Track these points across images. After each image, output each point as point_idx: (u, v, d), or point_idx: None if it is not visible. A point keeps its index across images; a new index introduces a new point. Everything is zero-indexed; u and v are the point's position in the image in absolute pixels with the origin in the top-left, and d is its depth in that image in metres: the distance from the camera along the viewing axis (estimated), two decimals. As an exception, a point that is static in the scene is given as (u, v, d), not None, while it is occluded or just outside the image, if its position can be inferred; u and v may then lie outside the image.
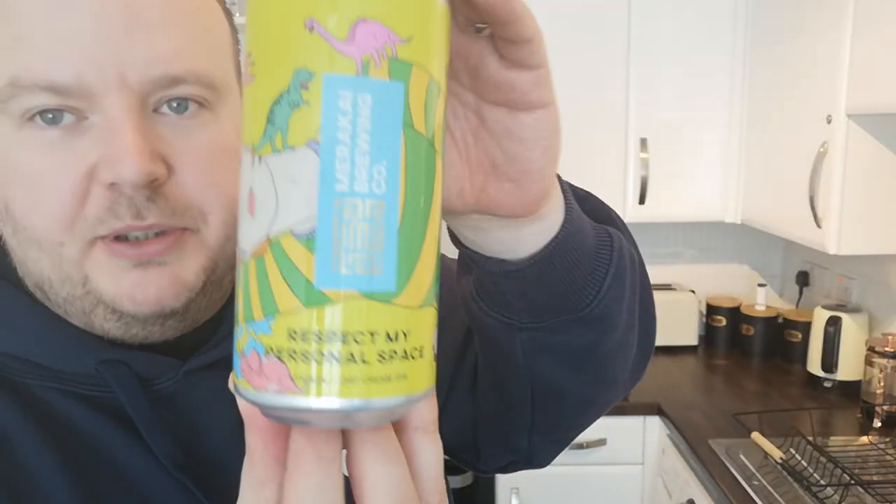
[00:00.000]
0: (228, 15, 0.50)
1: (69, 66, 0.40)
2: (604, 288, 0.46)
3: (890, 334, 1.88)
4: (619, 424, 2.08)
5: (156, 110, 0.44)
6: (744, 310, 2.48)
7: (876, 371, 1.86)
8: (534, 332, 0.40)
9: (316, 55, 0.24)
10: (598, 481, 2.10)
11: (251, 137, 0.25)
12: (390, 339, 0.25)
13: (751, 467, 1.60)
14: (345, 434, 0.28)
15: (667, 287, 2.58)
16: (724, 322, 2.52)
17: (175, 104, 0.44)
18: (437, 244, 0.27)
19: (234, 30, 0.50)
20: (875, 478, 1.53)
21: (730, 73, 2.22)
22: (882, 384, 1.85)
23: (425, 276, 0.26)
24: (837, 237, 1.70)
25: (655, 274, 2.89)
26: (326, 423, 0.26)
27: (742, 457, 1.65)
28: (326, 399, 0.24)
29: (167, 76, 0.43)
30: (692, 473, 1.76)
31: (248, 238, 0.25)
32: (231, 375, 0.27)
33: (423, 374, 0.26)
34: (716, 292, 2.64)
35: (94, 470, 0.45)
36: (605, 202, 0.56)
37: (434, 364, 0.27)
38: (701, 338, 2.57)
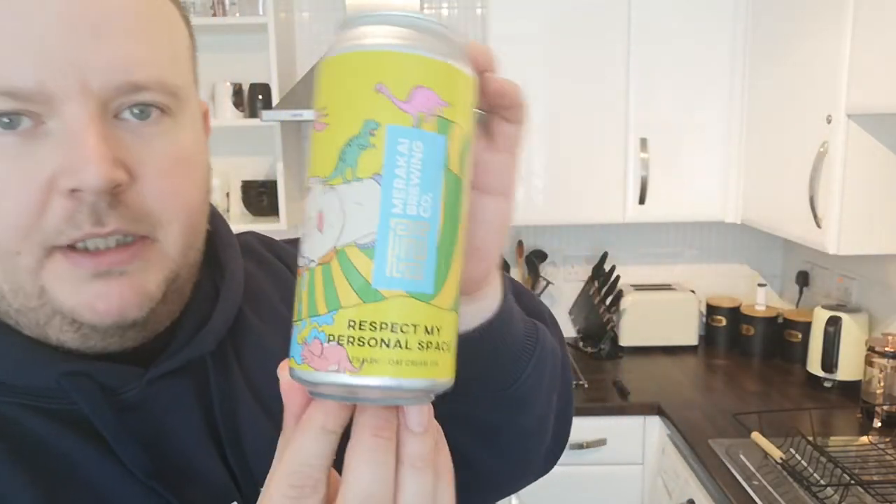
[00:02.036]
0: (188, 23, 0.50)
1: (30, 70, 0.40)
2: (524, 374, 0.49)
3: (890, 334, 1.88)
4: (619, 424, 2.08)
5: (116, 116, 0.43)
6: (744, 310, 2.48)
7: (876, 371, 1.86)
8: (453, 403, 0.41)
9: (382, 110, 0.31)
10: (598, 481, 2.10)
11: (322, 171, 0.32)
12: (427, 332, 0.31)
13: (751, 467, 1.60)
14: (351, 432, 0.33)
15: (667, 287, 2.58)
16: (724, 322, 2.52)
17: (137, 110, 0.44)
18: (461, 262, 0.33)
19: (192, 38, 0.50)
20: (875, 478, 1.53)
21: (730, 73, 2.22)
22: (882, 384, 1.85)
23: (453, 286, 0.33)
24: (837, 237, 1.70)
25: (655, 274, 2.90)
26: (374, 398, 0.32)
27: (742, 457, 1.65)
28: (377, 377, 0.30)
29: (131, 83, 0.43)
30: (692, 473, 1.76)
31: (315, 250, 0.32)
32: (288, 362, 0.33)
33: (450, 365, 0.33)
34: (716, 292, 2.64)
35: (63, 485, 0.44)
36: (539, 298, 0.62)
37: (455, 360, 0.33)
38: (701, 338, 2.57)
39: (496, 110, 0.38)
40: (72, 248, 0.42)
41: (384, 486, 0.32)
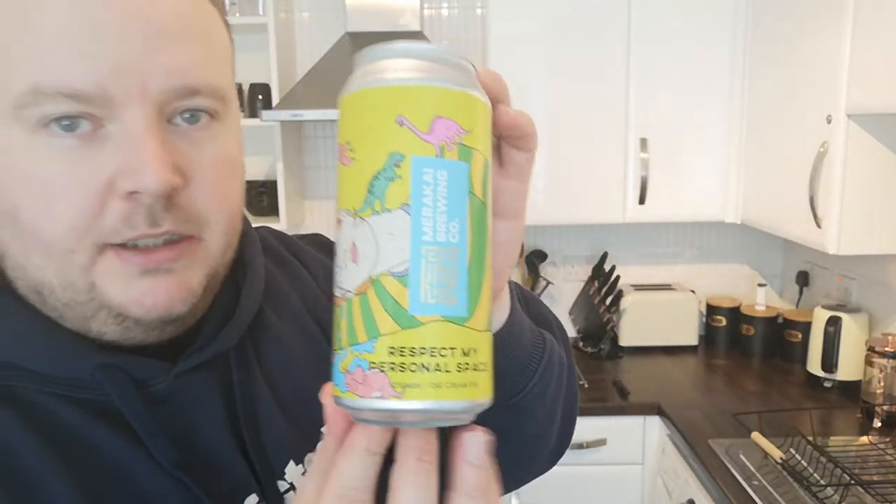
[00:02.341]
0: (228, 27, 0.51)
1: (92, 74, 0.41)
2: (530, 384, 0.52)
3: (890, 334, 1.88)
4: (619, 424, 2.08)
5: (169, 121, 0.44)
6: (744, 310, 2.48)
7: (876, 371, 1.86)
8: None
9: (405, 143, 0.32)
10: (598, 481, 2.10)
11: (352, 204, 0.34)
12: (465, 354, 0.32)
13: (751, 467, 1.60)
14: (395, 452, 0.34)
15: (667, 287, 2.58)
16: (724, 322, 2.53)
17: (188, 115, 0.45)
18: (491, 283, 0.35)
19: (232, 41, 0.51)
20: (875, 478, 1.53)
21: (730, 73, 2.22)
22: (882, 384, 1.85)
23: (485, 307, 0.34)
24: (837, 237, 1.70)
25: (655, 274, 2.91)
26: (415, 421, 0.33)
27: (742, 457, 1.65)
28: (419, 402, 0.31)
29: (186, 87, 0.44)
30: (692, 473, 1.76)
31: (351, 280, 0.33)
32: (331, 390, 0.34)
33: (487, 384, 0.34)
34: (716, 292, 2.64)
35: (95, 473, 0.46)
36: (547, 306, 0.63)
37: (492, 379, 0.34)
38: (701, 338, 2.57)
39: (508, 140, 0.40)
40: (122, 245, 0.44)
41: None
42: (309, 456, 0.56)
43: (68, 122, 0.41)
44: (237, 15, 2.30)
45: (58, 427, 0.46)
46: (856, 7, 1.59)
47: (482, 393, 0.33)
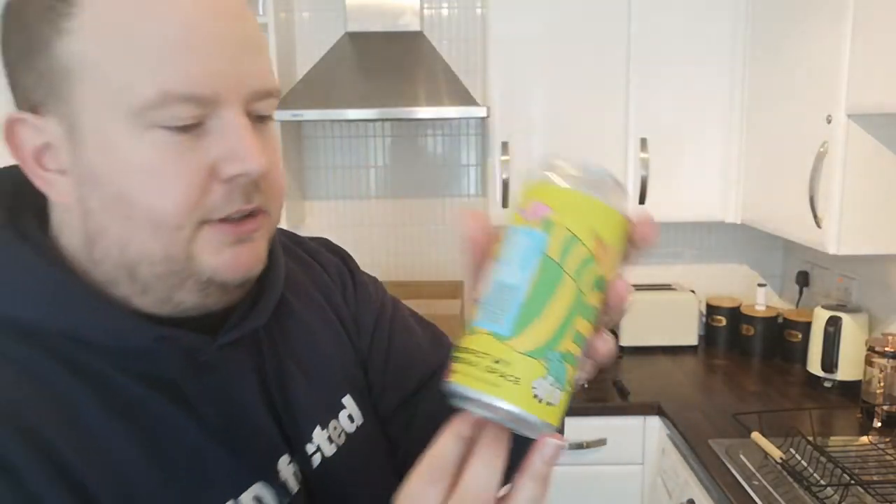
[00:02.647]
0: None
1: (209, 79, 0.49)
2: None
3: (890, 334, 1.88)
4: (619, 424, 2.08)
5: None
6: (744, 310, 2.48)
7: (876, 371, 1.86)
8: None
9: (512, 217, 0.44)
10: (598, 481, 2.10)
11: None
12: (495, 362, 0.41)
13: (751, 467, 1.60)
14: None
15: (667, 287, 2.58)
16: (724, 322, 2.52)
17: (256, 116, 0.54)
18: (554, 328, 0.42)
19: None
20: (875, 478, 1.53)
21: (730, 73, 2.22)
22: (882, 384, 1.85)
23: (534, 338, 0.41)
24: (837, 237, 1.70)
25: (655, 274, 2.90)
26: (454, 399, 0.43)
27: (742, 457, 1.65)
28: (452, 383, 0.42)
29: (265, 90, 0.53)
30: (692, 473, 1.76)
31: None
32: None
33: (513, 394, 0.41)
34: (716, 292, 2.64)
35: (150, 432, 0.52)
36: None
37: (530, 397, 0.41)
38: (701, 338, 2.57)
39: (640, 250, 0.48)
40: (218, 220, 0.52)
41: (493, 485, 0.42)
42: (333, 422, 0.65)
43: (186, 124, 0.50)
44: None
45: (117, 393, 0.52)
46: (856, 7, 1.59)
47: (501, 394, 0.41)
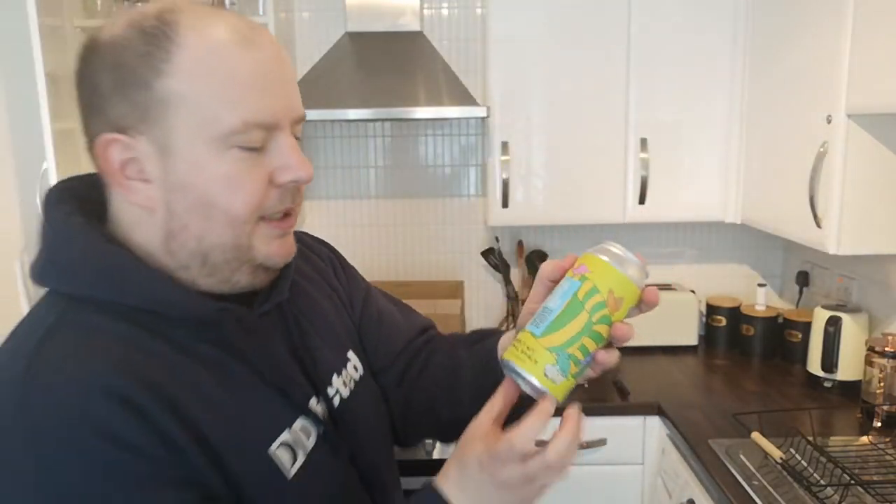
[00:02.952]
0: None
1: (272, 111, 0.67)
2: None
3: (890, 334, 1.88)
4: (619, 424, 2.08)
5: None
6: (744, 310, 2.48)
7: (876, 371, 1.86)
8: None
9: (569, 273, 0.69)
10: (598, 481, 2.10)
11: None
12: (528, 348, 0.66)
13: (751, 467, 1.60)
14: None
15: (667, 287, 2.58)
16: (724, 322, 2.52)
17: (294, 136, 0.71)
18: (567, 338, 0.65)
19: None
20: (875, 478, 1.53)
21: (729, 73, 2.22)
22: (882, 384, 1.85)
23: (552, 341, 0.65)
24: (837, 237, 1.70)
25: (655, 274, 2.89)
26: (505, 368, 0.68)
27: (742, 457, 1.65)
28: (509, 360, 0.67)
29: (301, 116, 0.71)
30: (692, 473, 1.76)
31: None
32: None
33: (532, 369, 0.65)
34: (716, 292, 2.64)
35: (230, 383, 0.68)
36: None
37: (542, 374, 0.65)
38: (701, 338, 2.57)
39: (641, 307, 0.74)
40: (269, 218, 0.69)
41: (535, 435, 0.64)
42: (344, 371, 0.84)
43: (256, 146, 0.67)
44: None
45: (195, 352, 0.67)
46: (856, 7, 1.59)
47: (526, 368, 0.65)
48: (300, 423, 0.73)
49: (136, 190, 0.66)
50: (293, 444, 0.72)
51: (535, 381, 0.64)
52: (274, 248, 0.70)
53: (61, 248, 0.67)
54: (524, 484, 0.68)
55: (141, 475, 0.59)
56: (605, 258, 0.67)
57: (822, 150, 1.72)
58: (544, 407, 0.64)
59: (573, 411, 0.65)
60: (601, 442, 2.08)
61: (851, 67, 1.61)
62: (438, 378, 0.91)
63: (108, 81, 0.64)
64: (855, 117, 1.64)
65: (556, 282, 0.69)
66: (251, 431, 0.69)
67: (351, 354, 0.87)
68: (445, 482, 0.68)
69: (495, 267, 2.62)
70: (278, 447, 0.70)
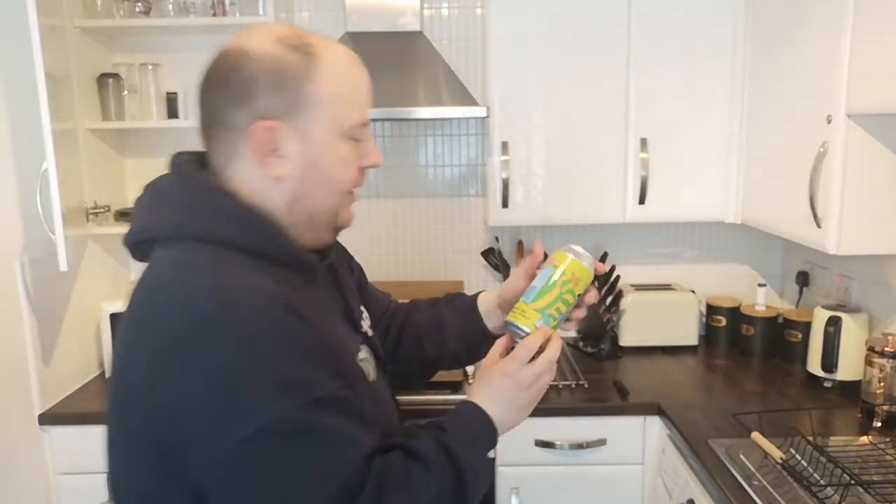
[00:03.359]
0: None
1: (367, 114, 0.92)
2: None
3: (890, 334, 1.88)
4: (619, 424, 2.08)
5: None
6: (744, 310, 2.48)
7: (876, 371, 1.86)
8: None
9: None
10: (598, 481, 2.10)
11: None
12: (521, 311, 0.96)
13: (751, 467, 1.60)
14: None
15: (667, 287, 2.58)
16: (724, 322, 2.52)
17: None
18: (546, 303, 0.96)
19: None
20: (875, 478, 1.53)
21: (730, 73, 2.22)
22: (882, 384, 1.85)
23: (537, 305, 0.96)
24: (837, 237, 1.70)
25: (655, 274, 2.89)
26: (508, 324, 0.98)
27: (742, 457, 1.65)
28: (510, 318, 0.98)
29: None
30: (692, 473, 1.76)
31: None
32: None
33: (525, 322, 0.95)
34: (716, 292, 2.64)
35: (327, 311, 0.94)
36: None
37: (533, 326, 0.95)
38: (701, 338, 2.57)
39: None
40: (351, 192, 0.93)
41: (532, 350, 0.91)
42: (365, 315, 1.05)
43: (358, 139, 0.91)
44: (237, 15, 2.30)
45: (302, 290, 0.87)
46: (856, 7, 1.59)
47: (520, 322, 0.95)
48: (364, 348, 0.98)
49: (272, 165, 0.86)
50: (363, 361, 0.96)
51: (528, 330, 0.94)
52: (348, 214, 0.95)
53: (207, 204, 0.85)
54: (534, 382, 0.91)
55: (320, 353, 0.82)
56: (569, 254, 0.98)
57: (822, 150, 1.72)
58: (534, 337, 0.92)
59: (556, 333, 0.94)
60: (601, 442, 2.08)
61: (851, 67, 1.61)
62: (424, 324, 1.17)
63: (266, 81, 0.83)
64: (855, 117, 1.64)
65: (533, 270, 1.03)
66: (347, 346, 0.93)
67: (363, 309, 1.09)
68: (475, 396, 0.92)
69: (495, 267, 2.62)
70: (360, 360, 0.95)
